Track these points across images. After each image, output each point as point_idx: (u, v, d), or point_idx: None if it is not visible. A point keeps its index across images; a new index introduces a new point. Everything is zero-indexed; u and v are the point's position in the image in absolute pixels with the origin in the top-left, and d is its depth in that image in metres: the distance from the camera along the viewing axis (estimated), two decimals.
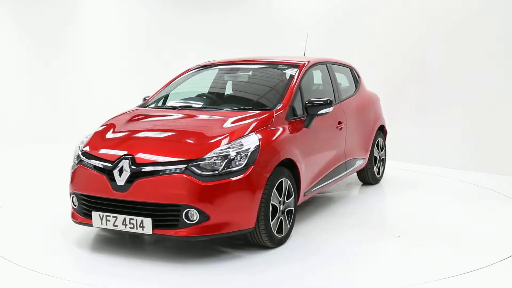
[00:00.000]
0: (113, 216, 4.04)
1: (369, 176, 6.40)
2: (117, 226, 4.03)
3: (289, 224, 4.46)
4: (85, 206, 4.25)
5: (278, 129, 4.45)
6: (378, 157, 6.52)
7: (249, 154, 4.04)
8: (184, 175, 3.89)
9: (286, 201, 4.40)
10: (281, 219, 4.33)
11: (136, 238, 4.61)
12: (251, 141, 4.14)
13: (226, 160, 3.96)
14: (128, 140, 4.37)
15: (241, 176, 3.96)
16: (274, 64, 5.46)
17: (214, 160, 3.95)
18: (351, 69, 6.40)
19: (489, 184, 6.57)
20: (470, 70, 7.43)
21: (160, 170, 3.94)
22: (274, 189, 4.21)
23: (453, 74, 7.63)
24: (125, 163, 4.03)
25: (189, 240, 4.30)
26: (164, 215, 3.93)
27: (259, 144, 4.14)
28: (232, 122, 4.37)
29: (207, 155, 3.96)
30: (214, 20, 10.27)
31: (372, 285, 3.72)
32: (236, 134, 4.17)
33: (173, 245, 4.40)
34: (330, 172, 5.30)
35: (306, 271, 3.93)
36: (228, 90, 5.49)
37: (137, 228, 3.94)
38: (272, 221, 4.19)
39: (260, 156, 4.09)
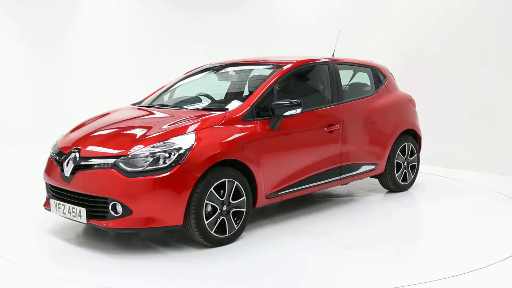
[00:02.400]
0: (62, 205, 4.38)
1: (389, 183, 6.03)
2: (65, 214, 4.35)
3: (237, 225, 4.41)
4: (50, 194, 4.63)
5: (226, 130, 4.41)
6: (404, 164, 6.13)
7: (178, 153, 4.09)
8: (111, 170, 4.07)
9: (232, 201, 4.36)
10: (223, 219, 4.31)
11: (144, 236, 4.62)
12: (186, 141, 4.17)
13: (152, 158, 4.05)
14: (85, 135, 4.62)
15: (166, 174, 4.02)
16: (265, 65, 5.42)
17: (140, 157, 4.06)
18: (374, 70, 6.08)
19: (489, 184, 6.57)
20: (470, 69, 7.43)
21: (95, 164, 4.18)
22: (213, 189, 4.19)
23: (452, 74, 7.64)
24: (72, 156, 4.34)
25: (117, 232, 4.57)
26: (96, 206, 4.15)
27: (193, 144, 4.16)
28: (177, 121, 4.42)
29: (134, 152, 4.09)
30: (214, 20, 10.27)
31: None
32: (171, 133, 4.23)
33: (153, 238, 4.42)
34: (314, 176, 5.08)
35: (223, 275, 3.82)
36: (215, 91, 5.51)
37: (76, 217, 4.23)
38: (207, 220, 4.19)
39: (191, 155, 4.11)
